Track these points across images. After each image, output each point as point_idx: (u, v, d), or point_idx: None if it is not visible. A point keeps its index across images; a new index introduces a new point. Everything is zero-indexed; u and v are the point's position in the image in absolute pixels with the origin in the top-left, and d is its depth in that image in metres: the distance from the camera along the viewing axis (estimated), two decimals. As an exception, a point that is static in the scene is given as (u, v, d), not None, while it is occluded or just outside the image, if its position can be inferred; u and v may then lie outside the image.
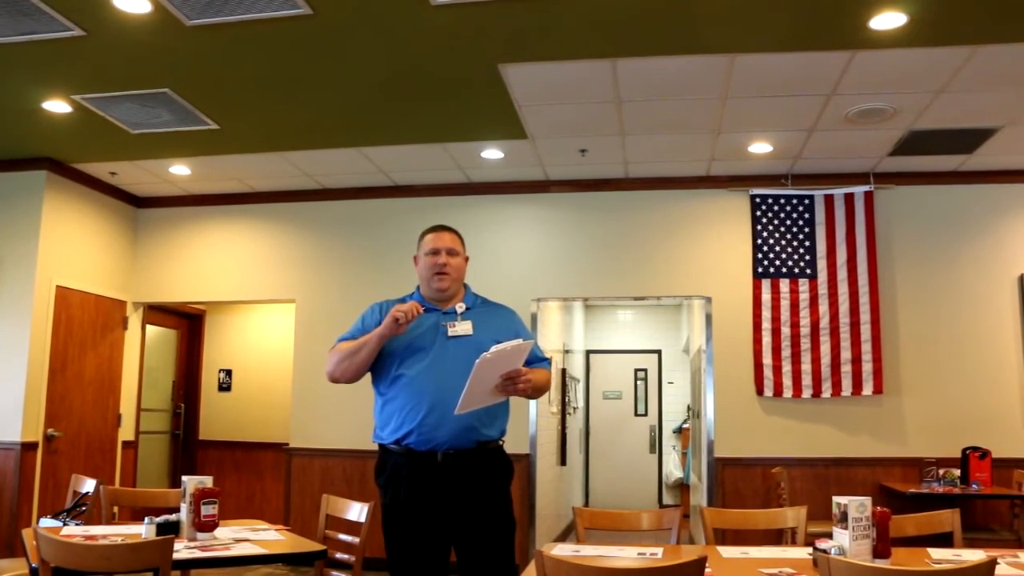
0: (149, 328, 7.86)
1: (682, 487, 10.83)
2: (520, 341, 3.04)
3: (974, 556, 2.89)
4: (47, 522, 3.75)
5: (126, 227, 7.48)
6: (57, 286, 6.58)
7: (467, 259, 3.43)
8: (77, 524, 3.73)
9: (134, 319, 7.51)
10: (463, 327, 3.23)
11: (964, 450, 6.01)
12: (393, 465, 3.18)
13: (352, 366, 3.20)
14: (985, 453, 5.92)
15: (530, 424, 6.76)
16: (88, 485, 4.39)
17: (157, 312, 8.06)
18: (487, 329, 3.22)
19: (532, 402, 6.53)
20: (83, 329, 6.86)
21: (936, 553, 3.03)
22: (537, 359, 3.30)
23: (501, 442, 3.28)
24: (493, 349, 2.91)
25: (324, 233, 7.36)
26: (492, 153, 6.40)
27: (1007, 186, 6.59)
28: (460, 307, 3.29)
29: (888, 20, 4.21)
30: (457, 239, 3.38)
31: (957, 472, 5.94)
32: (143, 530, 3.24)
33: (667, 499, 11.36)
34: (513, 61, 4.78)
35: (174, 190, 7.37)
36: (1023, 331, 6.41)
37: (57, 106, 5.44)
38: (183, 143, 6.17)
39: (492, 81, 5.03)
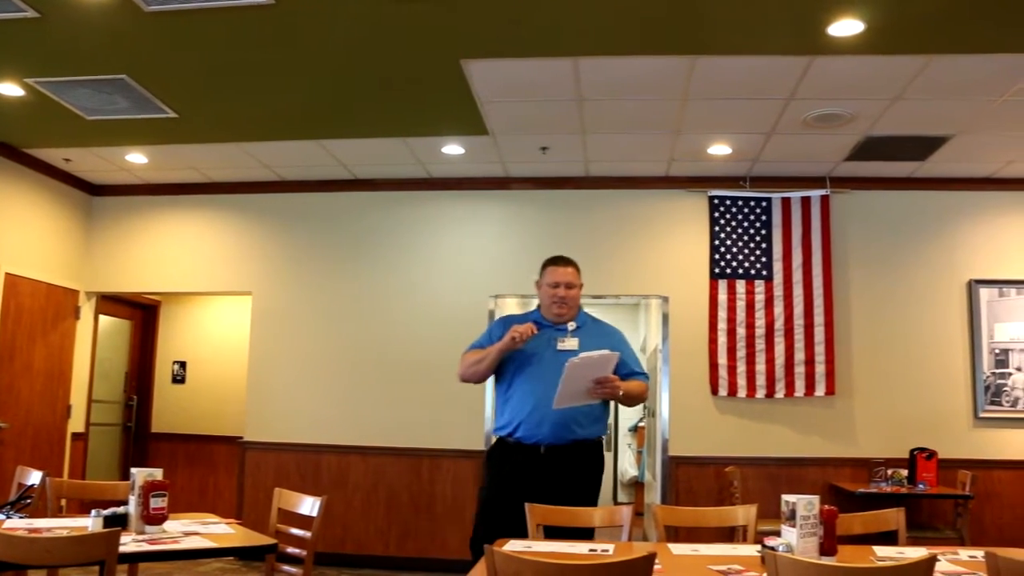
0: (102, 318, 7.72)
1: (637, 485, 10.89)
2: (606, 352, 3.59)
3: (916, 553, 2.95)
4: (-10, 514, 3.66)
5: (80, 215, 7.34)
6: (7, 274, 6.43)
7: (582, 286, 3.98)
8: (21, 517, 3.65)
9: (87, 309, 7.37)
10: (571, 342, 3.83)
11: (912, 451, 6.14)
12: (503, 450, 3.86)
13: (478, 372, 3.92)
14: (932, 454, 6.04)
15: (486, 421, 6.75)
16: (34, 477, 4.30)
17: (110, 302, 7.92)
18: (591, 344, 3.76)
19: (487, 401, 6.57)
20: (33, 318, 6.72)
21: (881, 551, 3.09)
22: (635, 372, 3.88)
23: (600, 439, 3.89)
24: (580, 355, 3.54)
25: (282, 225, 7.28)
26: (453, 148, 6.38)
27: (958, 193, 6.72)
28: (571, 325, 3.88)
29: (846, 27, 4.28)
30: (575, 272, 3.96)
31: (905, 472, 6.06)
32: (89, 523, 3.18)
33: (622, 497, 11.42)
34: (475, 57, 4.77)
35: (130, 178, 7.25)
36: (970, 335, 6.55)
37: (9, 89, 5.32)
38: (140, 131, 6.06)
39: (454, 76, 5.01)
